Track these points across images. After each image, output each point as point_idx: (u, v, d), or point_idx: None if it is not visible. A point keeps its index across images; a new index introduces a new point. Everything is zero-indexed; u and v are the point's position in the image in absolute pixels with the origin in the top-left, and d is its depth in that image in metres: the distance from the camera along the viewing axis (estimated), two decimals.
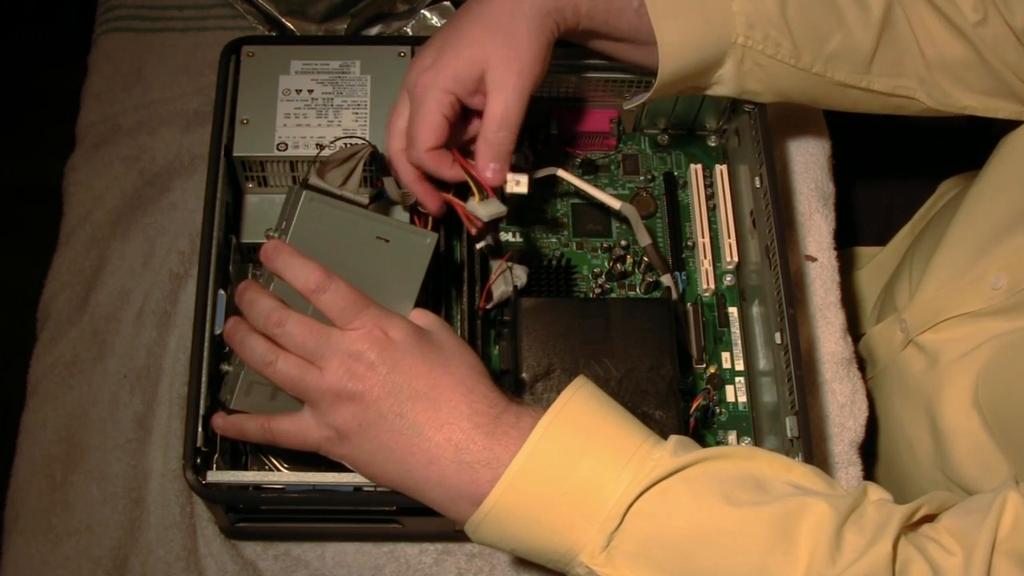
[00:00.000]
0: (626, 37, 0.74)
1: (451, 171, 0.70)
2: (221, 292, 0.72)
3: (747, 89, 0.77)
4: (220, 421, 0.66)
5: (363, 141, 0.73)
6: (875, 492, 0.58)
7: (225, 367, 0.70)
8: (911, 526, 0.57)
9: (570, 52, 0.80)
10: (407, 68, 0.72)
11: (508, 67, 0.68)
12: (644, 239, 0.81)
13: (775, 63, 0.75)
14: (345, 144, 0.73)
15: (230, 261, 0.75)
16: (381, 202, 0.73)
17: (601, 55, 0.79)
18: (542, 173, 0.81)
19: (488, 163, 0.70)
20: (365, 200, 0.67)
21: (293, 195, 0.66)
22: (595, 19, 0.72)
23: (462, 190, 0.73)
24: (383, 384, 0.60)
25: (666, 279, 0.80)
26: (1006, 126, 0.81)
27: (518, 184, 0.71)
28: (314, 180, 0.67)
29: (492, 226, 0.74)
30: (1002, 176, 0.80)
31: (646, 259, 0.82)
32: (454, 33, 0.70)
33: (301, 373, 0.62)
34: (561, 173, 0.80)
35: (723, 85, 0.77)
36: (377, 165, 0.73)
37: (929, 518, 0.58)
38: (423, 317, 0.66)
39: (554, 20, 0.70)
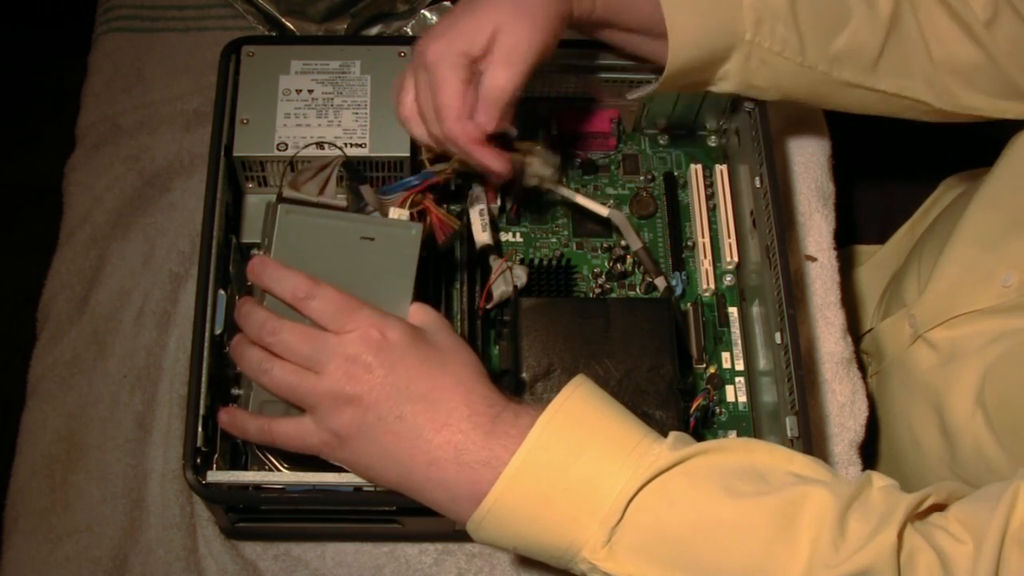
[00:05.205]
0: (639, 29, 0.75)
1: (482, 148, 0.68)
2: (221, 292, 0.72)
3: (751, 85, 0.77)
4: (225, 416, 0.66)
5: (335, 149, 0.72)
6: (879, 479, 0.58)
7: (236, 391, 0.70)
8: (919, 515, 0.57)
9: (571, 52, 0.80)
10: (417, 44, 0.70)
11: (520, 34, 0.67)
12: (635, 243, 0.81)
13: (781, 60, 0.75)
14: (316, 148, 0.73)
15: (230, 261, 0.75)
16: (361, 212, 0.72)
17: (611, 47, 0.79)
18: (529, 182, 0.81)
19: (484, 110, 0.67)
20: (343, 203, 0.66)
21: (270, 211, 0.65)
22: (610, 7, 0.73)
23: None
24: (382, 386, 0.60)
25: (659, 282, 0.80)
26: (1011, 124, 0.81)
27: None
28: (288, 192, 0.66)
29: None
30: (1013, 173, 0.80)
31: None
32: (466, 6, 0.69)
33: (298, 379, 0.61)
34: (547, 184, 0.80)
35: (727, 81, 0.77)
36: (352, 174, 0.71)
37: (938, 508, 0.58)
38: (421, 313, 0.66)
39: (569, 2, 0.70)
